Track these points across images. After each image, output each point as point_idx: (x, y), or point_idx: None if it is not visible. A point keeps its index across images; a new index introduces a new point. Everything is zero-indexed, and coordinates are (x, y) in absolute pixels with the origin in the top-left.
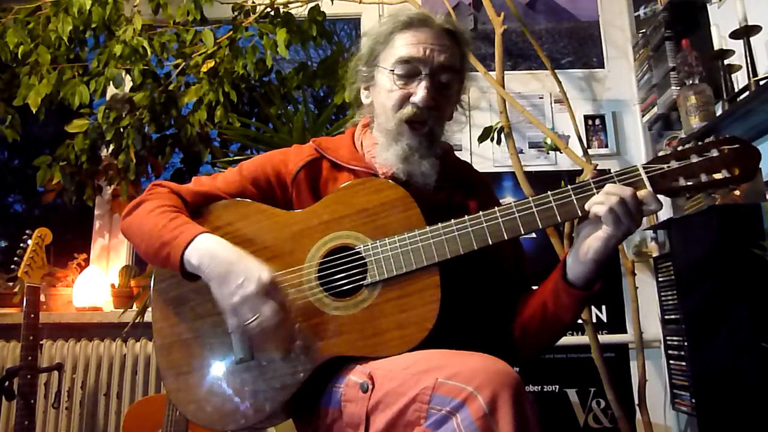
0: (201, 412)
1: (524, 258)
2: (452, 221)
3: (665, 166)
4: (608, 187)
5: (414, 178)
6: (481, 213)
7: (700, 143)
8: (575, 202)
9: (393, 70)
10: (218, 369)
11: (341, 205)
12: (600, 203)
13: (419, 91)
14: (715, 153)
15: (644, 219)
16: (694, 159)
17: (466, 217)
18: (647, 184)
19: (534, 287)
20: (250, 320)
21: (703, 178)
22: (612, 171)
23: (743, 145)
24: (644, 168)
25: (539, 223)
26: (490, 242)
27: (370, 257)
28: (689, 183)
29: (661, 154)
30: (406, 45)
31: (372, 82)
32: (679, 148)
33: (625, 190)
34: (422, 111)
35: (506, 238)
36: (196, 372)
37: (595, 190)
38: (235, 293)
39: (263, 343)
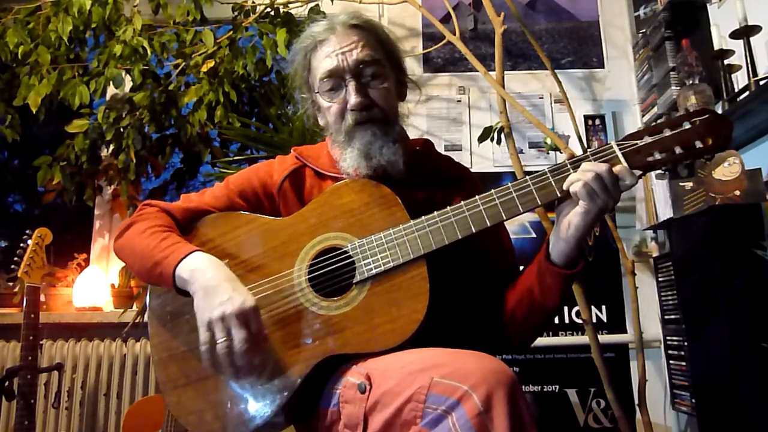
0: (201, 422)
1: (511, 248)
2: (435, 213)
3: (638, 141)
4: (584, 164)
5: (382, 169)
6: (462, 203)
7: (672, 118)
8: (553, 183)
9: (320, 91)
10: (216, 378)
11: (327, 208)
12: (577, 180)
13: (350, 98)
14: (687, 125)
15: (644, 218)
16: (667, 133)
17: (449, 208)
18: (622, 160)
19: None
20: (219, 340)
21: (678, 150)
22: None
23: (714, 115)
24: (618, 145)
25: (520, 208)
26: (474, 230)
27: (358, 255)
28: (664, 156)
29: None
30: (320, 62)
31: (317, 105)
32: (652, 124)
33: (601, 166)
34: (360, 113)
35: (489, 225)
36: (193, 383)
37: (571, 171)
38: (216, 308)
39: (225, 366)
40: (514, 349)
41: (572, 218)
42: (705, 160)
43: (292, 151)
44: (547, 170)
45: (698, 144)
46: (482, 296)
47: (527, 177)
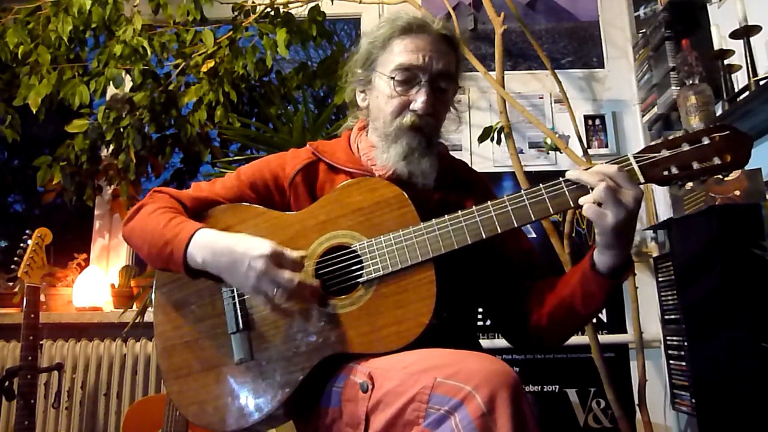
0: (202, 414)
1: (531, 247)
2: (446, 217)
3: (656, 155)
4: (595, 168)
5: (414, 177)
6: (474, 208)
7: (691, 132)
8: (567, 193)
9: (393, 77)
10: (218, 370)
11: (337, 205)
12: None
13: (419, 99)
14: (706, 141)
15: (644, 218)
16: (686, 147)
17: (460, 212)
18: (638, 173)
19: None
20: (274, 292)
21: (695, 165)
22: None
23: (734, 132)
24: (635, 157)
25: (532, 216)
26: (484, 236)
27: (366, 255)
28: (681, 171)
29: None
30: (405, 51)
31: (369, 85)
32: (671, 137)
33: (610, 168)
34: (421, 118)
35: (499, 231)
36: (196, 373)
37: None
38: (249, 276)
39: (297, 302)
40: (546, 347)
41: (597, 228)
42: (722, 176)
43: (307, 144)
44: (561, 180)
45: (716, 160)
46: (507, 299)
47: (541, 185)
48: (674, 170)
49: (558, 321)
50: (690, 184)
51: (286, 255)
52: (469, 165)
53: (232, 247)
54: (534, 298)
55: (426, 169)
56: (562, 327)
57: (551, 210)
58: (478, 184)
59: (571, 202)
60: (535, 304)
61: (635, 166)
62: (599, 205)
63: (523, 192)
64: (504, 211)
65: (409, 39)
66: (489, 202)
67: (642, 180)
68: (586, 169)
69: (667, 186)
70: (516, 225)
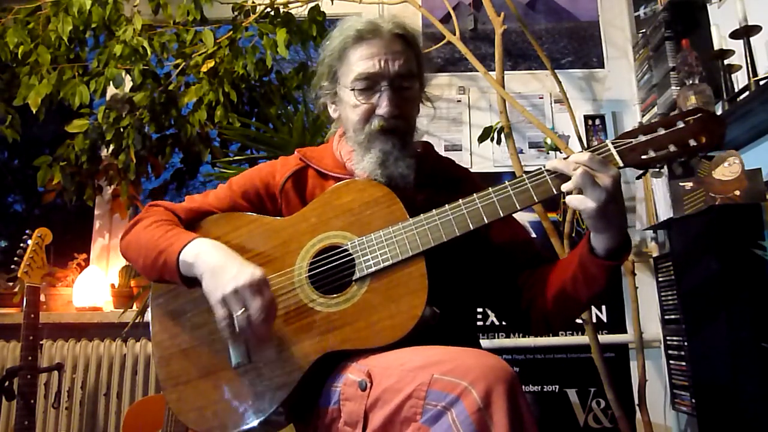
0: (202, 420)
1: (529, 238)
2: (433, 211)
3: (632, 140)
4: (572, 156)
5: (394, 181)
6: (460, 200)
7: (666, 117)
8: (549, 181)
9: (354, 89)
10: (216, 375)
11: (327, 207)
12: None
13: (382, 104)
14: (681, 124)
15: (644, 218)
16: (661, 131)
17: (447, 206)
18: (617, 157)
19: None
20: (237, 312)
21: (672, 148)
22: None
23: (707, 114)
24: (613, 143)
25: (517, 205)
26: (471, 227)
27: (357, 253)
28: (658, 154)
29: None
30: (360, 60)
31: (336, 97)
32: (647, 123)
33: (584, 155)
34: (388, 121)
35: (486, 222)
36: (194, 380)
37: None
38: (227, 284)
39: (248, 336)
40: (554, 331)
41: (582, 213)
42: (700, 157)
43: (296, 152)
44: (543, 168)
45: (692, 142)
46: (508, 289)
47: (524, 176)
48: (652, 153)
49: (563, 304)
50: (690, 184)
51: (270, 292)
52: (455, 162)
53: (228, 256)
54: (537, 283)
55: (403, 171)
56: (567, 310)
57: (535, 198)
58: (467, 181)
59: (554, 189)
60: (538, 289)
61: (613, 151)
62: (580, 192)
63: (507, 183)
64: (489, 201)
65: (363, 47)
66: (474, 195)
67: (621, 164)
68: (565, 158)
69: (646, 169)
70: (502, 214)
